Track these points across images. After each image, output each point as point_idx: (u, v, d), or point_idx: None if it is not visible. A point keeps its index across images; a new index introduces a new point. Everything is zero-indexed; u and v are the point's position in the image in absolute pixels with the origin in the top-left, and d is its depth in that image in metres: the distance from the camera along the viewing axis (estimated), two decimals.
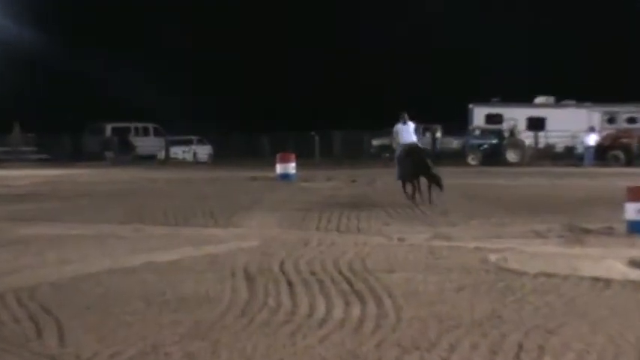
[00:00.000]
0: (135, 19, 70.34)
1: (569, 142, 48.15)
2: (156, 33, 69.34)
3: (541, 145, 48.59)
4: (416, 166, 22.46)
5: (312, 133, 52.58)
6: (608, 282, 10.36)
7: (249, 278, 10.80)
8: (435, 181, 22.29)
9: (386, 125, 52.78)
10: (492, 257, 12.31)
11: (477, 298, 9.55)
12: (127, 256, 12.83)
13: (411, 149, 23.13)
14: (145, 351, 7.49)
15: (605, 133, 46.54)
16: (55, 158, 54.92)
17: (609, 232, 15.35)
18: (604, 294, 9.80)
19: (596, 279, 10.54)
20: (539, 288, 10.06)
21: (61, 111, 60.15)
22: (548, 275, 10.81)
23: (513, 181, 31.23)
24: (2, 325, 8.48)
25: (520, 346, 7.55)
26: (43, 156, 55.60)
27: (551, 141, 48.63)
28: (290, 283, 10.42)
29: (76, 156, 55.78)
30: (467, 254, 12.71)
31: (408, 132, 23.84)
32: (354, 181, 31.27)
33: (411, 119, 23.98)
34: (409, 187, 22.65)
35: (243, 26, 69.74)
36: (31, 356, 7.41)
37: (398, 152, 23.68)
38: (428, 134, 52.87)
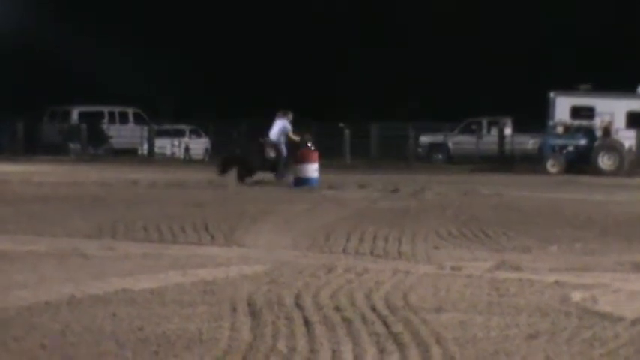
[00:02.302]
0: None
1: None
2: None
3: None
4: None
5: (342, 124, 52.61)
6: None
7: (254, 314, 10.81)
8: None
9: (438, 118, 53.25)
10: (576, 296, 12.27)
11: (554, 349, 9.52)
12: (94, 281, 12.87)
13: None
14: None
15: None
16: (5, 150, 55.18)
17: None
18: None
19: None
20: (639, 338, 10.02)
21: (13, 90, 60.56)
22: None
23: (607, 195, 31.10)
24: None
25: None
26: None
27: None
28: (307, 322, 10.42)
29: (32, 148, 55.95)
30: (542, 291, 12.67)
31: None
32: (395, 190, 31.22)
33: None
34: None
35: None
36: None
37: None
38: (494, 131, 52.83)
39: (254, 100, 63.07)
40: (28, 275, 13.30)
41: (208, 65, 68.28)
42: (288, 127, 33.25)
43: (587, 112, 48.55)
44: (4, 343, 9.31)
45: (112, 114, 58.54)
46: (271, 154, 32.14)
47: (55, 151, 54.66)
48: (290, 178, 31.92)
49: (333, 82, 65.12)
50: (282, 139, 32.91)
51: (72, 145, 55.64)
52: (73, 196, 27.04)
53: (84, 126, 56.65)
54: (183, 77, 66.70)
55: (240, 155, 33.75)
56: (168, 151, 57.14)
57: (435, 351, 9.27)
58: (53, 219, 20.84)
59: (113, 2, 70.56)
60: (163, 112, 58.63)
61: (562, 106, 48.85)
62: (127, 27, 68.28)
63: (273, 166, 32.71)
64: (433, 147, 53.57)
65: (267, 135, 33.24)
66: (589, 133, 47.22)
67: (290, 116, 33.65)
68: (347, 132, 52.52)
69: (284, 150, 32.49)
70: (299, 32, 69.58)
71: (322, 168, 33.53)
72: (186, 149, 56.84)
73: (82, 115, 57.64)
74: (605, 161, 46.19)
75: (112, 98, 58.65)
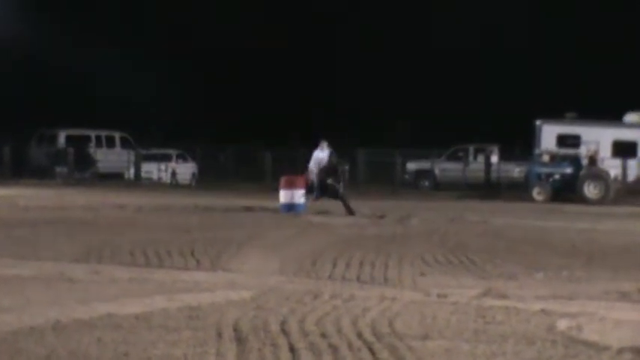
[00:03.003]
0: None
1: None
2: (132, 15, 69.99)
3: (631, 177, 48.42)
4: None
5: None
6: None
7: (240, 340, 10.79)
8: None
9: (426, 145, 53.28)
10: (562, 324, 12.26)
11: None
12: (80, 306, 12.83)
13: None
14: None
15: None
16: None
17: None
18: None
19: None
20: None
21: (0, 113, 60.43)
22: (637, 351, 10.75)
23: (593, 224, 31.10)
24: None
25: None
26: None
27: None
28: (293, 349, 10.39)
29: (18, 171, 55.80)
30: (528, 319, 12.66)
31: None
32: (381, 216, 31.21)
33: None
34: None
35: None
36: None
37: None
38: (481, 158, 52.87)
39: (241, 125, 63.07)
40: (14, 299, 13.26)
41: (196, 89, 68.21)
42: (319, 156, 33.20)
43: (573, 141, 48.59)
44: None
45: (98, 138, 58.40)
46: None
47: (42, 174, 54.51)
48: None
49: (321, 106, 65.12)
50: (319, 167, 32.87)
51: (58, 169, 55.50)
52: (60, 220, 26.99)
53: (71, 150, 56.54)
54: (170, 102, 66.63)
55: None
56: (154, 176, 57.01)
57: None
58: (39, 243, 20.80)
59: (103, 24, 70.56)
60: (150, 136, 58.47)
61: (548, 135, 48.91)
62: (116, 49, 68.24)
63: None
64: (420, 173, 53.56)
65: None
66: (575, 161, 47.25)
67: (323, 145, 33.49)
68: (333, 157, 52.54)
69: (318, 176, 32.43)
70: (285, 56, 69.65)
71: (309, 193, 33.55)
72: (173, 174, 56.67)
73: (69, 138, 57.51)
74: (591, 190, 46.20)
75: (100, 120, 58.49)
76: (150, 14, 71.83)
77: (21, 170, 55.99)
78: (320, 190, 31.82)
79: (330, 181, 31.42)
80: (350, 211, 30.79)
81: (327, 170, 31.64)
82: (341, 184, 31.46)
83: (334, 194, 31.53)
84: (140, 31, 71.12)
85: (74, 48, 64.07)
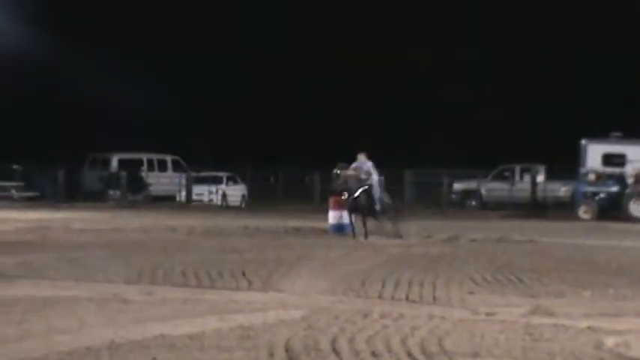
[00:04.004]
0: (154, 20, 71.18)
1: None
2: (177, 38, 70.11)
3: None
4: None
5: None
6: None
7: (292, 359, 10.79)
8: None
9: (471, 165, 53.16)
10: (610, 341, 12.19)
11: None
12: (134, 327, 12.86)
13: None
14: None
15: None
16: (46, 197, 55.33)
17: None
18: None
19: None
20: None
21: (55, 137, 60.80)
22: None
23: (639, 242, 30.93)
24: None
25: None
26: (31, 194, 55.98)
27: None
28: None
29: (73, 195, 56.06)
30: (576, 336, 12.60)
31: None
32: (429, 236, 31.15)
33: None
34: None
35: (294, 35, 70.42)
36: None
37: None
38: (527, 177, 52.73)
39: (289, 148, 63.14)
40: (69, 320, 13.31)
41: (244, 112, 68.20)
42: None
43: (619, 160, 48.38)
44: None
45: (150, 161, 58.59)
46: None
47: (95, 198, 54.79)
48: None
49: (370, 128, 64.99)
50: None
51: (111, 192, 55.76)
52: (113, 243, 27.06)
53: (123, 173, 56.77)
54: (220, 125, 66.77)
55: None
56: (205, 198, 57.10)
57: None
58: (93, 265, 20.87)
59: (150, 58, 70.80)
60: (201, 159, 58.59)
61: (594, 154, 48.72)
62: (165, 75, 68.48)
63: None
64: (466, 193, 53.53)
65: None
66: (620, 180, 47.04)
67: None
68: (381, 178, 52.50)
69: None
70: (333, 76, 69.40)
71: None
72: (224, 196, 56.73)
73: (121, 162, 57.75)
74: (636, 208, 45.98)
75: (151, 144, 58.69)
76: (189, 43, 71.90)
77: (74, 194, 56.26)
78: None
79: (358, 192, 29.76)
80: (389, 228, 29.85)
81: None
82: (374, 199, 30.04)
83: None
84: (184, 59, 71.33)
85: (122, 72, 64.44)
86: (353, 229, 29.00)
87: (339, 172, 29.17)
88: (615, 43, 65.50)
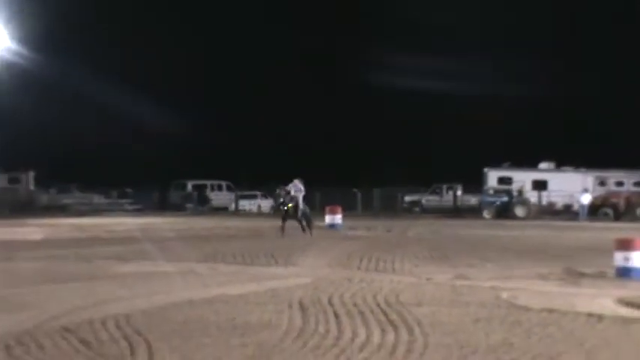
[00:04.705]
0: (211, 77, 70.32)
1: (567, 201, 47.73)
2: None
3: (544, 202, 48.17)
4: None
5: (355, 189, 52.50)
6: (600, 317, 10.25)
7: (303, 309, 10.81)
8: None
9: (416, 184, 53.10)
10: (504, 295, 12.22)
11: (491, 328, 9.48)
12: (203, 290, 12.88)
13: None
14: None
15: (597, 194, 46.33)
16: (146, 208, 55.31)
17: (601, 275, 15.19)
18: (597, 327, 9.69)
19: (591, 314, 10.43)
20: (543, 321, 9.97)
21: (151, 170, 60.68)
22: (550, 311, 10.71)
23: (521, 232, 30.96)
24: (103, 344, 8.55)
25: None
26: (137, 207, 55.95)
27: (553, 199, 48.25)
28: (336, 314, 10.41)
29: (163, 207, 56.05)
30: (483, 292, 12.63)
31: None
32: (389, 230, 31.14)
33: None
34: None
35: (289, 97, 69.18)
36: None
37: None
38: (451, 192, 52.72)
39: (298, 173, 62.76)
40: (162, 286, 13.34)
41: (273, 155, 67.72)
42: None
43: (508, 180, 48.56)
44: (149, 328, 9.34)
45: (212, 185, 58.47)
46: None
47: (177, 209, 54.70)
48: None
49: (352, 160, 64.36)
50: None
51: (188, 205, 55.68)
52: (189, 237, 27.04)
53: (195, 193, 56.82)
54: (257, 156, 66.32)
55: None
56: (247, 208, 56.99)
57: (417, 330, 9.26)
58: (177, 251, 20.88)
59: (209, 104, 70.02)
60: (243, 182, 58.28)
61: (492, 177, 48.93)
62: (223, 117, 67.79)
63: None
64: (413, 203, 53.48)
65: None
66: (509, 193, 47.14)
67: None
68: (359, 194, 52.50)
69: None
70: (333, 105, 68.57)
71: (343, 217, 33.51)
72: (259, 207, 56.73)
73: (194, 186, 57.71)
74: (519, 211, 46.10)
75: (212, 173, 58.43)
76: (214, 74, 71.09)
77: (164, 206, 56.24)
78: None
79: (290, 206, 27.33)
80: (304, 230, 27.23)
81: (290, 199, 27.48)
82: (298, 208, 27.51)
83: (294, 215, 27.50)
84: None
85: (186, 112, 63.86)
86: (282, 230, 26.76)
87: (279, 192, 28.30)
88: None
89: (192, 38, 69.63)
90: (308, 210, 28.45)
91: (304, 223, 27.40)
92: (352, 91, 67.71)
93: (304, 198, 28.09)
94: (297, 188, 27.72)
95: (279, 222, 27.71)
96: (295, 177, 28.31)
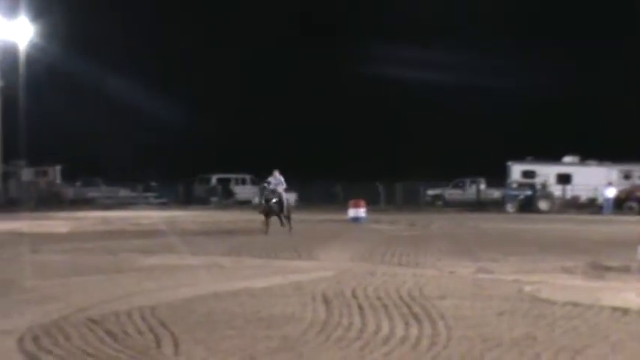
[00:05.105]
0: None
1: (591, 195, 47.50)
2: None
3: (568, 196, 47.95)
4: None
5: (378, 183, 52.48)
6: (625, 311, 10.19)
7: (327, 302, 10.81)
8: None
9: (438, 179, 52.97)
10: (527, 288, 12.17)
11: (514, 321, 9.45)
12: (228, 283, 12.90)
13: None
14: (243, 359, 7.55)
15: (621, 188, 46.01)
16: (171, 202, 55.54)
17: (625, 269, 15.07)
18: (622, 320, 9.63)
19: (615, 308, 10.36)
20: (567, 315, 9.92)
21: (176, 164, 60.86)
22: (575, 304, 10.65)
23: (544, 225, 30.85)
24: (128, 336, 8.60)
25: None
26: (163, 200, 56.17)
27: (577, 193, 48.04)
28: (360, 307, 10.41)
29: (188, 200, 56.25)
30: (506, 285, 12.58)
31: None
32: (412, 224, 31.12)
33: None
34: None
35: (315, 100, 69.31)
36: None
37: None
38: (474, 186, 52.58)
39: (323, 166, 62.63)
40: (187, 279, 13.39)
41: (297, 148, 67.70)
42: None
43: (532, 174, 48.34)
44: (174, 320, 9.38)
45: (236, 179, 58.63)
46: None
47: (202, 202, 54.87)
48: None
49: (375, 155, 64.38)
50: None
51: (212, 199, 55.85)
52: (213, 230, 27.13)
53: (219, 186, 56.97)
54: (280, 150, 66.39)
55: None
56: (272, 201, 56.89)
57: (440, 324, 9.24)
58: (201, 244, 20.97)
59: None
60: (268, 175, 58.28)
61: (516, 171, 48.73)
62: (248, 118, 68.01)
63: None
64: (436, 197, 53.38)
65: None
66: (533, 187, 46.94)
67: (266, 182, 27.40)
68: (381, 188, 52.47)
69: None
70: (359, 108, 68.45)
71: (367, 211, 33.51)
72: None
73: (218, 179, 57.90)
74: (543, 204, 45.90)
75: (236, 167, 58.52)
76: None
77: (188, 200, 56.44)
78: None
79: (274, 200, 26.20)
80: (283, 224, 26.25)
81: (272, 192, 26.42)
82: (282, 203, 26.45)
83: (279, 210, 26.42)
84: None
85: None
86: (267, 227, 25.55)
87: (265, 185, 27.35)
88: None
89: (212, 36, 69.84)
90: (289, 203, 27.65)
91: (284, 217, 26.49)
92: (376, 86, 67.52)
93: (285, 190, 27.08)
94: (278, 181, 26.79)
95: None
96: (275, 169, 26.86)
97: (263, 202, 26.56)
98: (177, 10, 69.97)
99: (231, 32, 71.54)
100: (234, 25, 71.42)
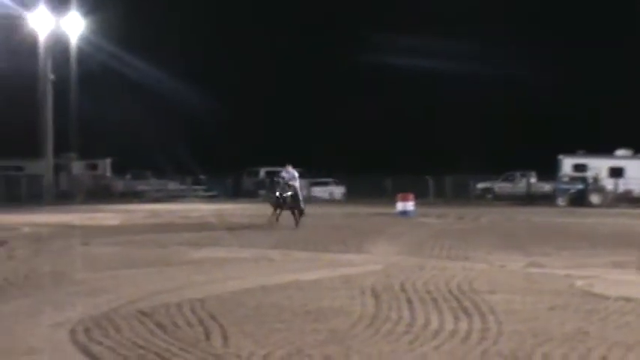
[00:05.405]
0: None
1: None
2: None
3: (620, 190, 47.30)
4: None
5: (427, 177, 52.22)
6: None
7: (376, 295, 10.80)
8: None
9: (488, 172, 52.61)
10: (579, 283, 12.05)
11: (566, 316, 9.35)
12: (276, 276, 12.95)
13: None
14: (291, 353, 7.56)
15: None
16: (220, 195, 55.86)
17: None
18: None
19: None
20: (620, 310, 9.80)
21: (224, 157, 61.17)
22: (627, 299, 10.51)
23: (596, 219, 30.46)
24: (178, 328, 8.67)
25: (604, 359, 7.36)
26: (211, 193, 56.50)
27: (629, 187, 47.36)
28: (409, 300, 10.38)
29: (236, 193, 56.51)
30: (558, 280, 12.46)
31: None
32: (462, 218, 30.93)
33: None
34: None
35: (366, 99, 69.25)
36: (201, 354, 7.55)
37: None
38: (524, 179, 52.17)
39: (370, 161, 62.51)
40: (236, 272, 13.46)
41: (347, 143, 67.52)
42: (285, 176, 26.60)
43: (583, 167, 47.78)
44: (223, 313, 9.43)
45: None
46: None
47: (250, 195, 55.10)
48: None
49: (424, 148, 64.00)
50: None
51: (260, 192, 56.03)
52: (262, 223, 27.15)
53: (267, 180, 57.13)
54: (329, 144, 66.33)
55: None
56: (319, 195, 57.05)
57: (490, 318, 9.17)
58: (250, 237, 21.07)
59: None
60: (316, 169, 58.31)
61: (567, 164, 48.19)
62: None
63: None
64: (485, 190, 53.05)
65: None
66: (584, 180, 46.42)
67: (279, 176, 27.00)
68: (430, 181, 52.22)
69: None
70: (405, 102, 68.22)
71: (416, 204, 33.37)
72: (330, 193, 56.77)
73: (267, 173, 58.05)
74: (594, 198, 45.36)
75: (285, 161, 58.62)
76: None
77: (237, 193, 56.75)
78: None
79: (289, 194, 25.56)
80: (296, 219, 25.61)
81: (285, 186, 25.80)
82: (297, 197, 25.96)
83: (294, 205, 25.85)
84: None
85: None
86: (277, 219, 25.28)
87: (280, 180, 26.93)
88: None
89: (263, 35, 70.07)
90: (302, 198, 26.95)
91: (296, 213, 25.82)
92: (422, 82, 67.21)
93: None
94: (291, 175, 26.37)
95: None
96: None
97: (277, 195, 25.93)
98: (229, 9, 70.27)
99: (272, 29, 71.56)
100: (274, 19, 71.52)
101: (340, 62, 69.73)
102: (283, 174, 26.37)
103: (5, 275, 12.80)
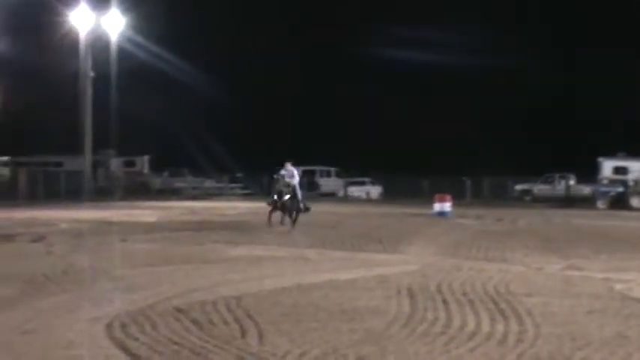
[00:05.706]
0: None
1: None
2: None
3: None
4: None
5: (465, 178, 51.99)
6: None
7: (412, 296, 10.78)
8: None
9: (526, 173, 52.28)
10: (618, 286, 11.93)
11: (604, 320, 9.26)
12: (312, 275, 12.97)
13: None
14: (326, 352, 7.57)
15: None
16: (256, 193, 56.01)
17: None
18: None
19: None
20: None
21: (261, 156, 61.40)
22: None
23: (636, 223, 30.11)
24: (214, 325, 8.71)
25: None
26: (247, 191, 56.68)
27: None
28: (445, 301, 10.34)
29: (270, 192, 56.59)
30: (596, 283, 12.35)
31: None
32: (500, 219, 30.74)
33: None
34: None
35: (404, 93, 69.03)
36: (237, 352, 7.58)
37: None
38: (563, 181, 51.79)
39: (407, 162, 62.33)
40: (273, 270, 13.50)
41: (385, 145, 67.30)
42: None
43: (623, 171, 47.30)
44: (259, 311, 9.46)
45: (321, 171, 58.78)
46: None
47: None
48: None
49: (462, 149, 63.72)
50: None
51: None
52: (298, 222, 27.05)
53: (304, 179, 57.06)
54: (366, 143, 66.31)
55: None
56: (356, 194, 57.07)
57: (527, 321, 9.12)
58: (286, 236, 21.09)
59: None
60: (353, 169, 58.33)
61: (607, 167, 47.70)
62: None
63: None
64: (524, 192, 52.78)
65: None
66: (624, 183, 45.95)
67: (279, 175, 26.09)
68: (468, 182, 51.97)
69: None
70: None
71: (453, 205, 33.23)
72: (367, 193, 56.77)
73: (303, 171, 57.57)
74: (635, 202, 44.88)
75: (321, 159, 58.63)
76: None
77: (273, 191, 56.82)
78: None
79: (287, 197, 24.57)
80: (292, 220, 24.52)
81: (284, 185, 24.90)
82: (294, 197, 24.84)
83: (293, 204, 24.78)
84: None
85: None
86: (270, 219, 24.43)
87: (278, 177, 26.51)
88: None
89: (288, 35, 70.27)
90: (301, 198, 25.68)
91: (294, 213, 24.70)
92: (464, 82, 66.93)
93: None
94: (290, 173, 25.45)
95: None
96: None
97: (275, 195, 25.10)
98: (260, 11, 70.47)
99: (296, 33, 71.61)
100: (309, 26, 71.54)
101: (375, 61, 69.57)
102: (282, 172, 25.69)
103: (44, 271, 12.95)
